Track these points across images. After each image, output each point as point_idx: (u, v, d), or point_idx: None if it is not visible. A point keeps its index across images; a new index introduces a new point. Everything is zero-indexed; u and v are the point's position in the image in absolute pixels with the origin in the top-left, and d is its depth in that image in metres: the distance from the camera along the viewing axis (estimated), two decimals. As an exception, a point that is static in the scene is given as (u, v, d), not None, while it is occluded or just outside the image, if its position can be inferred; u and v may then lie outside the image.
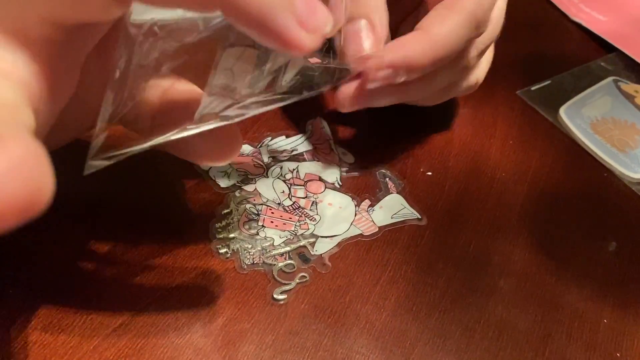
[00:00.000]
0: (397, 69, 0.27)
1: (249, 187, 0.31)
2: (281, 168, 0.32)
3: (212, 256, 0.28)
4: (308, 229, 0.30)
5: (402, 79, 0.28)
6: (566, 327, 0.28)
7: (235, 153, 0.25)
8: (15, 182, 0.14)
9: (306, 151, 0.34)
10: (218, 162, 0.25)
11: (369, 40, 0.29)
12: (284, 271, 0.28)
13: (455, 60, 0.30)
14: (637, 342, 0.28)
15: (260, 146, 0.33)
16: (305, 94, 0.24)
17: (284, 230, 0.29)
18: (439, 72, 0.30)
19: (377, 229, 0.30)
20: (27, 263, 0.26)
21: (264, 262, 0.28)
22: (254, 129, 0.34)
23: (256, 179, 0.32)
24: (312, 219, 0.30)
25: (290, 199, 0.31)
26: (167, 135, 0.21)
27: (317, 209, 0.31)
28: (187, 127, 0.21)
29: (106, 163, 0.19)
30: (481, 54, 0.31)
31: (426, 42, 0.28)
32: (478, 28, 0.29)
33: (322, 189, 0.32)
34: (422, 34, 0.28)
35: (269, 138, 0.34)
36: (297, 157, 0.33)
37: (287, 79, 0.23)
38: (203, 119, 0.21)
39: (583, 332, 0.28)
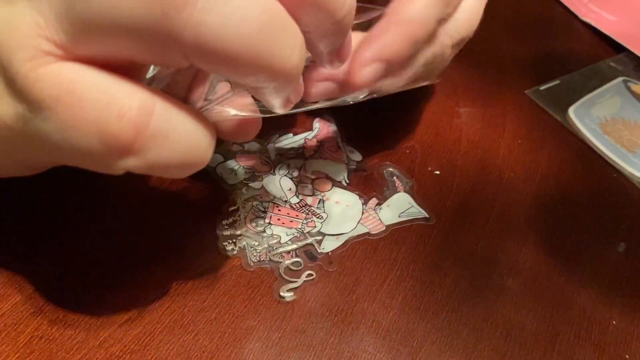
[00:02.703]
0: (382, 62, 0.27)
1: (256, 185, 0.31)
2: (288, 166, 0.32)
3: (219, 253, 0.28)
4: (315, 226, 0.30)
5: (388, 71, 0.27)
6: (575, 327, 0.28)
7: (255, 132, 0.25)
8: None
9: (314, 149, 0.33)
10: (239, 139, 0.26)
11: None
12: (290, 269, 0.28)
13: (429, 44, 0.29)
14: (647, 343, 0.28)
15: (268, 144, 0.33)
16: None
17: (291, 228, 0.29)
18: (417, 57, 0.29)
19: (384, 228, 0.30)
20: (34, 258, 0.26)
21: (270, 259, 0.28)
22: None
23: (263, 177, 0.31)
24: (319, 216, 0.30)
25: (297, 197, 0.31)
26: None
27: (324, 207, 0.31)
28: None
29: None
30: (456, 45, 0.31)
31: (401, 27, 0.27)
32: (447, 5, 0.28)
33: (330, 187, 0.32)
34: (395, 19, 0.27)
35: (277, 136, 0.34)
36: (304, 155, 0.33)
37: None
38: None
39: (592, 333, 0.28)
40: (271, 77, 0.19)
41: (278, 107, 0.22)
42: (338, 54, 0.23)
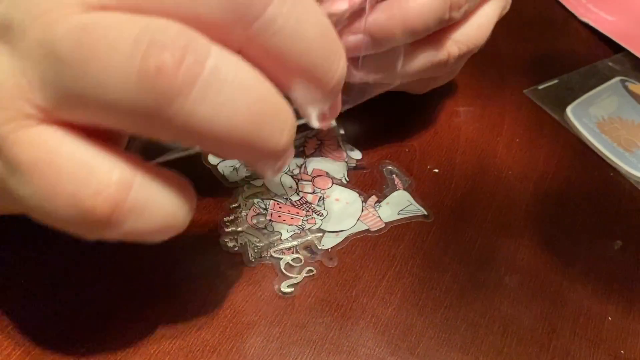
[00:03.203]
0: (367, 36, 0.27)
1: (257, 182, 0.31)
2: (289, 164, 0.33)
3: (220, 249, 0.28)
4: (315, 223, 0.30)
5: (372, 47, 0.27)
6: (571, 323, 0.28)
7: None
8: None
9: (314, 147, 0.34)
10: None
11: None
12: (291, 265, 0.28)
13: (432, 47, 0.30)
14: (642, 339, 0.28)
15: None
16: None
17: (292, 225, 0.30)
18: (418, 56, 0.29)
19: (383, 225, 0.31)
20: (35, 259, 0.27)
21: (271, 255, 0.28)
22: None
23: (264, 174, 0.32)
24: (319, 214, 0.30)
25: (298, 194, 0.31)
26: None
27: (324, 204, 0.31)
28: None
29: None
30: (463, 56, 0.31)
31: (396, 11, 0.27)
32: (452, 8, 0.28)
33: (330, 185, 0.32)
34: (395, 3, 0.27)
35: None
36: (305, 153, 0.33)
37: None
38: None
39: (588, 329, 0.28)
40: (258, 157, 0.19)
41: (314, 120, 0.22)
42: (325, 115, 0.22)
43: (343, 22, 0.27)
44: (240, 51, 0.18)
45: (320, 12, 0.19)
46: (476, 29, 0.31)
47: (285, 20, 0.18)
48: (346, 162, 0.33)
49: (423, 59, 0.30)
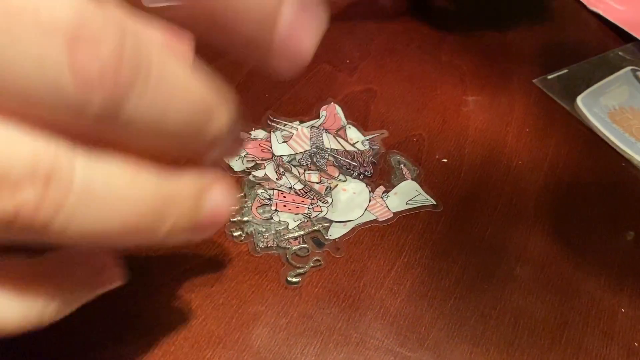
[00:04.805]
0: None
1: (259, 173, 0.31)
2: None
3: (226, 239, 0.28)
4: (321, 211, 0.29)
5: None
6: (583, 315, 0.28)
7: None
8: None
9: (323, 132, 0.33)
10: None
11: None
12: (297, 255, 0.28)
13: None
14: (656, 331, 0.27)
15: (275, 131, 0.33)
16: None
17: (298, 214, 0.29)
18: None
19: (391, 215, 0.30)
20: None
21: (278, 245, 0.28)
22: (268, 114, 0.34)
23: (265, 165, 0.31)
24: (324, 201, 0.30)
25: (302, 183, 0.31)
26: None
27: (331, 194, 0.30)
28: None
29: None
30: None
31: None
32: None
33: (337, 175, 0.31)
34: None
35: (283, 124, 0.34)
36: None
37: None
38: None
39: (600, 321, 0.27)
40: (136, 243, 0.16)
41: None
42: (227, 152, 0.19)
43: None
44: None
45: (187, 74, 0.15)
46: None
47: (143, 111, 0.14)
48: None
49: None
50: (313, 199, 0.30)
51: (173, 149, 0.16)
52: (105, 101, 0.13)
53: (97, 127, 0.14)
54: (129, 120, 0.14)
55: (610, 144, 0.36)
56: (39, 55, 0.12)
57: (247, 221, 0.28)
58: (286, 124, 0.34)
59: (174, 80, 0.15)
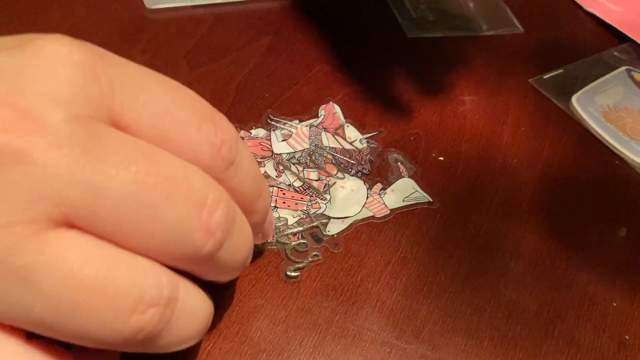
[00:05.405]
0: None
1: (260, 169, 0.32)
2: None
3: (227, 235, 0.28)
4: (320, 208, 0.30)
5: None
6: (575, 309, 0.28)
7: None
8: None
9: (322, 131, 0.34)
10: None
11: None
12: (296, 250, 0.28)
13: None
14: (647, 325, 0.28)
15: (275, 130, 0.34)
16: None
17: (297, 210, 0.30)
18: None
19: (388, 212, 0.31)
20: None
21: (277, 240, 0.28)
22: (268, 113, 0.35)
23: (265, 162, 0.32)
24: (322, 198, 0.31)
25: (302, 181, 0.31)
26: None
27: (329, 191, 0.31)
28: None
29: None
30: None
31: None
32: None
33: (335, 172, 0.32)
34: None
35: (283, 122, 0.34)
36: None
37: None
38: None
39: (592, 315, 0.28)
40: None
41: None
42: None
43: None
44: None
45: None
46: None
47: (227, 251, 0.20)
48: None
49: None
50: (312, 196, 0.31)
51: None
52: (215, 245, 0.19)
53: (197, 263, 0.19)
54: (219, 258, 0.19)
55: (605, 142, 0.37)
56: (179, 218, 0.18)
57: (247, 217, 0.29)
58: (286, 123, 0.34)
59: (245, 229, 0.21)
